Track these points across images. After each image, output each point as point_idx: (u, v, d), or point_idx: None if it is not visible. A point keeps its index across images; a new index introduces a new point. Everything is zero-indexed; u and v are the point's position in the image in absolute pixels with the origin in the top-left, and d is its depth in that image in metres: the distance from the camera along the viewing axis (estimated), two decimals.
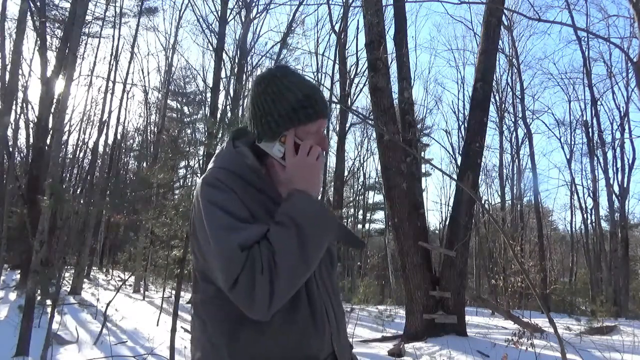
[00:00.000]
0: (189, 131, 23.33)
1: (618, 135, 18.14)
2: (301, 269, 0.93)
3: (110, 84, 17.17)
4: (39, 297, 6.05)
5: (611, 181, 17.13)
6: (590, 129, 17.92)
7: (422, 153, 20.40)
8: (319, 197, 1.11)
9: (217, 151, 1.16)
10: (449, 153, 21.80)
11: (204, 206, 0.98)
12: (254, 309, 0.90)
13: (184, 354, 5.76)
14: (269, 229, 0.96)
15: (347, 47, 17.33)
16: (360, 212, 30.35)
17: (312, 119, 1.05)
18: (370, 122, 11.97)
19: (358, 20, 21.67)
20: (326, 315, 1.06)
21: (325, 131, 1.11)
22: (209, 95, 17.17)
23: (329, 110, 1.10)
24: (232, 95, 17.73)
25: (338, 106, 16.54)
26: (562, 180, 25.09)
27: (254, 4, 15.94)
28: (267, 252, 0.91)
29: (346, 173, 22.13)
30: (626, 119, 17.65)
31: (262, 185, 1.05)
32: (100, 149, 17.70)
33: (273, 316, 0.94)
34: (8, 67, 10.83)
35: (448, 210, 22.42)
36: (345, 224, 27.16)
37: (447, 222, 17.10)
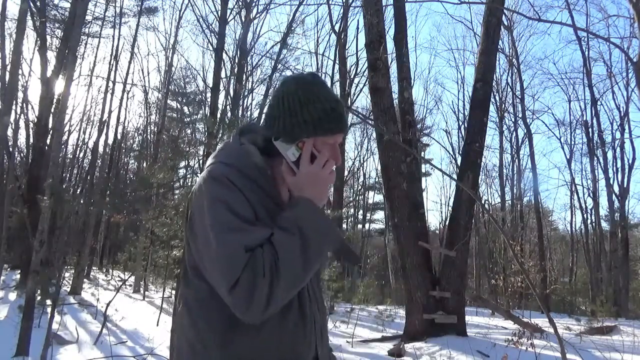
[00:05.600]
0: (189, 131, 23.31)
1: (618, 135, 18.16)
2: (300, 277, 0.94)
3: (110, 84, 17.19)
4: (39, 297, 6.06)
5: (611, 181, 17.13)
6: (590, 129, 17.93)
7: (422, 153, 20.41)
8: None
9: (220, 145, 1.15)
10: (449, 153, 21.81)
11: (210, 202, 0.96)
12: (249, 311, 0.89)
13: None
14: (272, 233, 0.96)
15: (347, 47, 17.31)
16: (360, 212, 30.41)
17: (334, 132, 1.07)
18: (370, 122, 11.97)
19: (358, 20, 21.66)
20: (312, 319, 1.07)
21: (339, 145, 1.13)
22: (209, 95, 17.17)
23: (348, 127, 1.13)
24: (232, 95, 17.72)
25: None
26: (562, 180, 25.09)
27: (254, 4, 15.94)
28: (270, 257, 0.91)
29: (346, 173, 22.11)
30: (626, 119, 17.66)
31: (266, 185, 1.05)
32: (100, 149, 17.71)
33: (266, 320, 0.94)
34: (8, 67, 10.82)
35: (448, 210, 22.43)
36: (345, 224, 27.18)
37: (447, 222, 17.11)
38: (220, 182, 0.98)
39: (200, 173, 1.09)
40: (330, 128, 1.06)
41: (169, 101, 22.94)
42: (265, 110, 1.16)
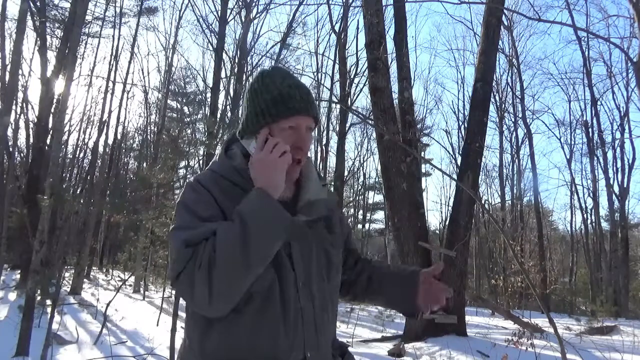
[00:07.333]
0: (189, 131, 23.29)
1: (618, 135, 18.17)
2: (240, 264, 0.90)
3: (110, 84, 17.15)
4: (39, 297, 6.05)
5: (611, 181, 17.15)
6: (590, 129, 17.94)
7: (422, 153, 20.40)
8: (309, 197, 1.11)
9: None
10: (449, 153, 21.83)
11: (177, 206, 1.04)
12: (195, 305, 0.93)
13: None
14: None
15: (347, 47, 17.30)
16: (360, 212, 30.38)
17: (284, 115, 1.04)
18: (370, 122, 11.97)
19: (358, 20, 21.68)
20: (301, 320, 1.03)
21: (309, 130, 1.08)
22: (209, 95, 17.19)
23: (312, 108, 1.07)
24: (232, 95, 17.73)
25: (338, 106, 16.57)
26: (562, 180, 25.07)
27: (254, 4, 15.96)
28: (209, 247, 0.91)
29: (346, 173, 22.09)
30: (626, 119, 17.67)
31: (246, 185, 1.03)
32: (100, 149, 17.69)
33: (244, 314, 0.97)
34: (8, 67, 10.83)
35: (448, 210, 22.44)
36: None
37: (447, 222, 17.09)
38: (189, 187, 1.04)
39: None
40: (278, 112, 1.04)
41: (169, 101, 22.94)
42: None
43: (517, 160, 20.72)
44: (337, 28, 16.49)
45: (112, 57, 17.28)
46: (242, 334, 0.99)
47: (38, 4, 12.74)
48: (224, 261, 0.89)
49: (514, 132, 20.90)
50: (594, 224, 19.31)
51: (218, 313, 0.95)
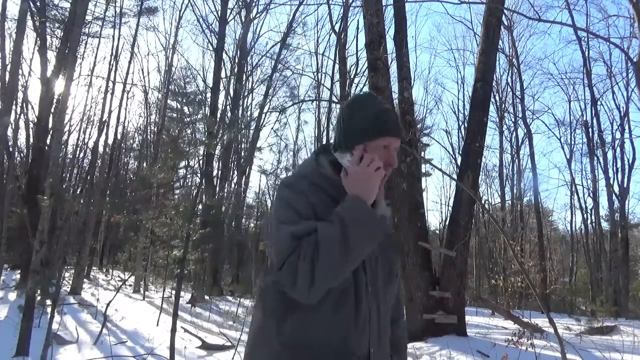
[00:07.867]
0: (189, 131, 23.31)
1: (618, 135, 18.18)
2: (341, 261, 1.03)
3: (110, 84, 17.14)
4: (39, 297, 6.05)
5: (611, 181, 17.14)
6: (590, 129, 17.95)
7: (422, 153, 20.39)
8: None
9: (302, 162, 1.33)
10: (449, 153, 21.90)
11: (277, 202, 1.17)
12: (295, 290, 1.04)
13: (183, 354, 5.76)
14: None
15: (347, 47, 17.31)
16: None
17: (379, 135, 1.19)
18: None
19: (358, 20, 21.70)
20: (369, 319, 1.15)
21: (396, 150, 1.24)
22: (209, 95, 17.19)
23: (401, 131, 1.24)
24: (232, 95, 17.74)
25: (338, 106, 16.56)
26: (562, 180, 25.12)
27: (254, 4, 15.98)
28: (313, 242, 1.03)
29: None
30: (626, 119, 17.68)
31: (334, 193, 1.16)
32: (100, 149, 17.66)
33: (320, 307, 1.08)
34: (8, 67, 10.82)
35: (448, 210, 22.45)
36: None
37: (447, 222, 17.09)
38: (286, 187, 1.18)
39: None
40: (374, 132, 1.19)
41: (169, 101, 22.94)
42: None
43: (517, 160, 20.76)
44: (337, 28, 16.50)
45: (112, 57, 17.28)
46: (321, 324, 1.10)
47: (38, 4, 12.75)
48: (326, 258, 1.02)
49: (514, 132, 20.96)
50: (594, 224, 19.33)
51: (313, 300, 1.05)
